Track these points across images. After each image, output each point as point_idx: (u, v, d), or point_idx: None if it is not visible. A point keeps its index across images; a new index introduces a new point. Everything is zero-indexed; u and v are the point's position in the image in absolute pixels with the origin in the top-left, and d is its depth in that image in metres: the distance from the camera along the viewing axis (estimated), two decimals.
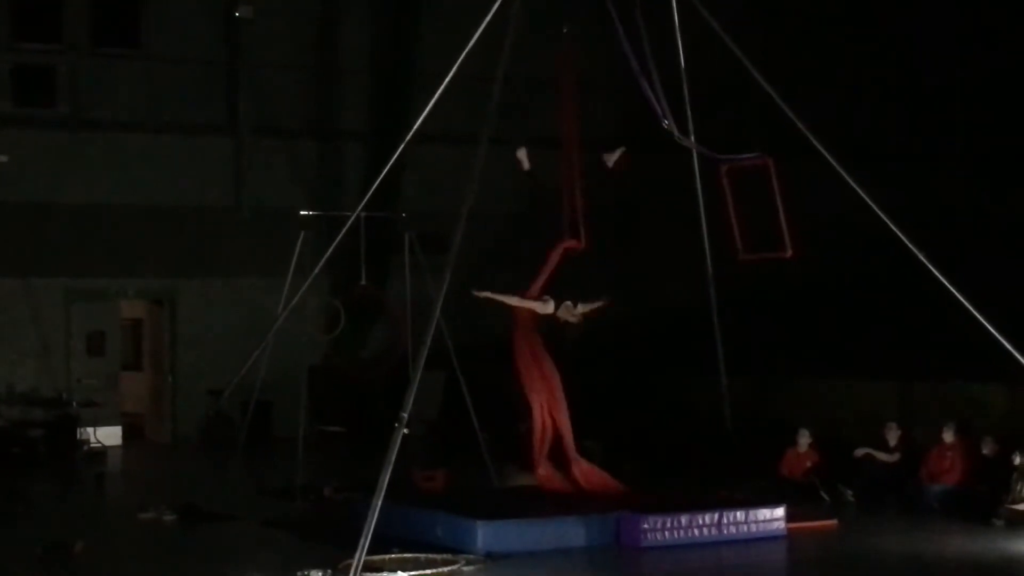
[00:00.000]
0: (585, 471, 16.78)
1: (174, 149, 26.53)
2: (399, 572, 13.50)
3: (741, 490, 17.12)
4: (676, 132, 16.91)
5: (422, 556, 14.08)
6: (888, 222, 15.80)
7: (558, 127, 16.95)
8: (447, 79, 16.28)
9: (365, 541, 12.64)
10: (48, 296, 25.59)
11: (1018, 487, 16.81)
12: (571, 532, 15.11)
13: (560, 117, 16.96)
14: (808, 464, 19.09)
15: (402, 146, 17.34)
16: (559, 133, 16.93)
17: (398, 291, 21.11)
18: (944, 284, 15.42)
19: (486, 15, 15.89)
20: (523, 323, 16.75)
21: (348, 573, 12.58)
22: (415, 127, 16.94)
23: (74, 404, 24.12)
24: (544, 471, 16.70)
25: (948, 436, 18.13)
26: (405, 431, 13.26)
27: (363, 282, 20.35)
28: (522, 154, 16.82)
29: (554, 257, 16.66)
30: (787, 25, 29.88)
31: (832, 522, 16.78)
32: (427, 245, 20.10)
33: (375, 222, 19.78)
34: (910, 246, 15.64)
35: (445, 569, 13.74)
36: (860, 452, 18.85)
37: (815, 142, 16.07)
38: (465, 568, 13.86)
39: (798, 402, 21.46)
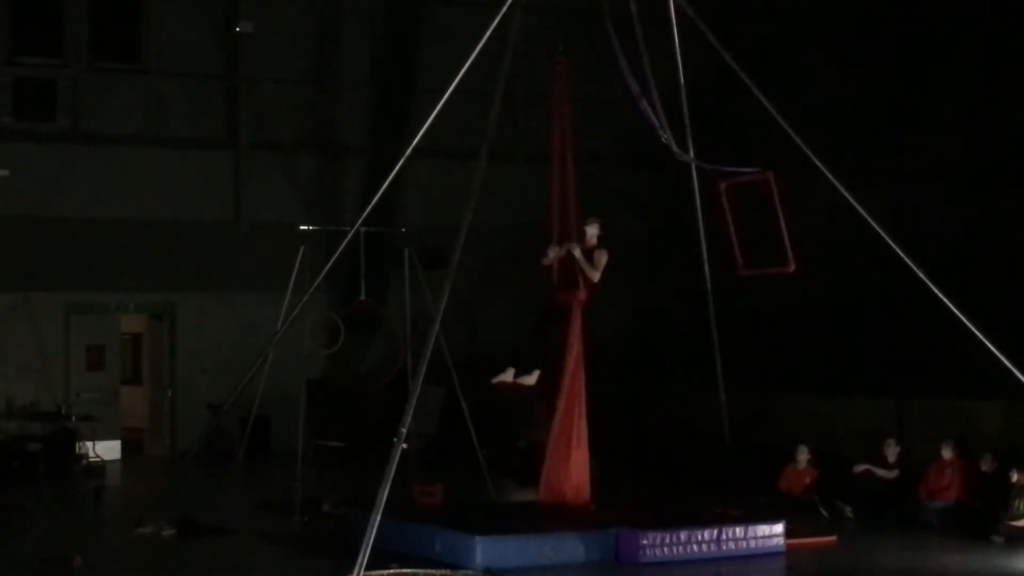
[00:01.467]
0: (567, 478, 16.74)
1: (174, 163, 26.54)
2: None
3: (740, 506, 17.11)
4: (675, 147, 16.93)
5: (421, 571, 14.06)
6: (887, 239, 15.82)
7: (551, 144, 16.97)
8: (446, 94, 16.30)
9: (364, 556, 12.63)
10: (47, 310, 25.57)
11: (1017, 504, 16.81)
12: (570, 548, 15.10)
13: (553, 134, 16.97)
14: (807, 480, 19.09)
15: (401, 161, 17.34)
16: (551, 150, 16.94)
17: (397, 306, 21.11)
18: (943, 301, 15.44)
19: (485, 31, 15.92)
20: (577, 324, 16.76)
21: None
22: (414, 142, 16.96)
23: (73, 418, 24.12)
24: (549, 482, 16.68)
25: (947, 453, 18.14)
26: (404, 446, 13.26)
27: (362, 297, 20.34)
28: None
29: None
30: (787, 41, 29.91)
31: (831, 538, 16.77)
32: (426, 260, 20.11)
33: (374, 237, 19.78)
34: (909, 263, 15.65)
35: None
36: (859, 468, 18.85)
37: (814, 159, 16.10)
38: None
39: (797, 418, 21.44)
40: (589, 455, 16.77)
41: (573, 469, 16.69)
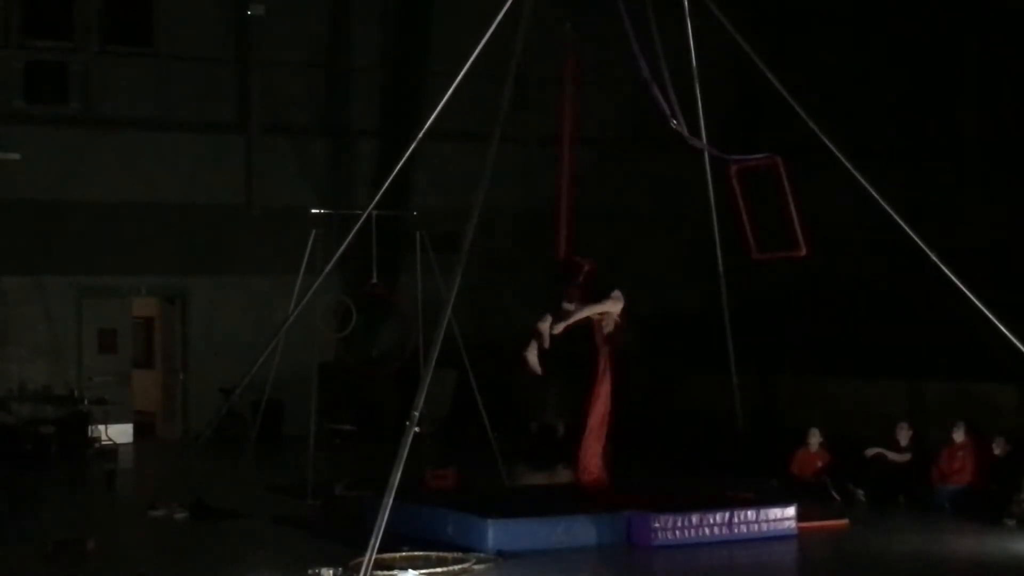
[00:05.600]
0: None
1: (185, 147, 26.58)
2: (410, 570, 13.50)
3: (752, 489, 17.10)
4: (686, 132, 16.89)
5: (433, 554, 14.08)
6: (899, 221, 15.78)
7: (560, 125, 16.91)
8: (459, 77, 16.27)
9: (376, 539, 12.64)
10: (60, 294, 25.64)
11: None
12: (582, 531, 15.11)
13: (562, 117, 16.90)
14: (819, 464, 19.08)
15: (413, 144, 17.33)
16: (560, 131, 16.88)
17: (409, 289, 21.12)
18: (955, 283, 15.41)
19: (497, 13, 15.88)
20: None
21: (359, 571, 12.59)
22: (427, 125, 16.94)
23: (85, 402, 24.20)
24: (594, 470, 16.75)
25: (958, 436, 18.11)
26: (416, 429, 13.26)
27: (374, 280, 20.34)
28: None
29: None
30: (798, 24, 29.86)
31: (843, 522, 16.76)
32: (438, 243, 20.10)
33: (386, 220, 19.77)
34: (922, 245, 15.62)
35: (456, 567, 13.75)
36: (871, 452, 18.83)
37: (827, 142, 16.05)
38: (476, 566, 13.87)
39: (809, 402, 21.43)
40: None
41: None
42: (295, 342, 20.08)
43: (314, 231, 19.67)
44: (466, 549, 14.41)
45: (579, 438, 16.88)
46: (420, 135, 17.14)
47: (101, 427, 24.29)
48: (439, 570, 13.61)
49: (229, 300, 26.85)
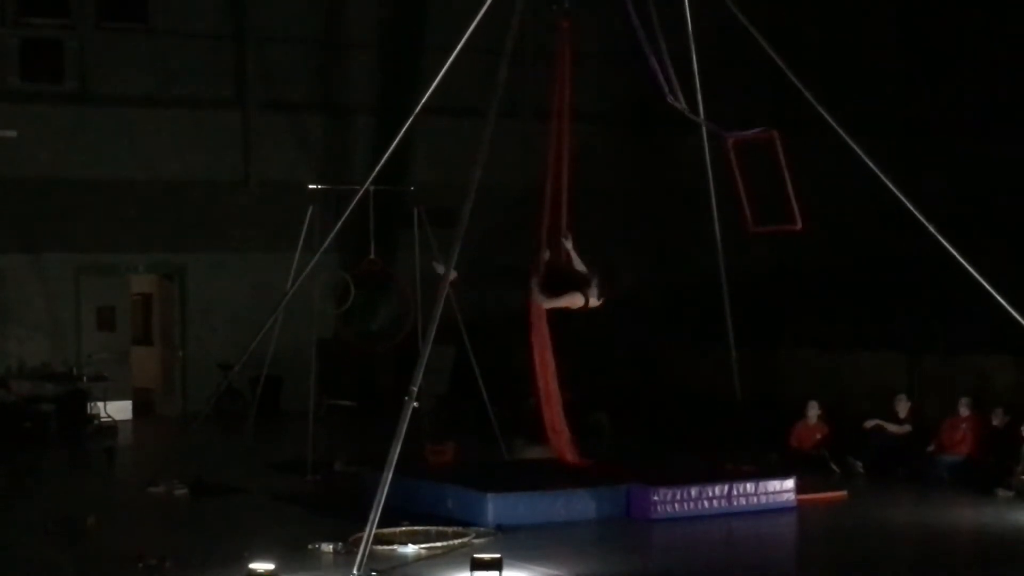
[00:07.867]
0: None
1: (182, 124, 26.51)
2: (409, 545, 13.55)
3: (751, 462, 17.13)
4: (683, 106, 16.84)
5: (432, 529, 14.13)
6: (898, 194, 15.77)
7: (550, 101, 16.84)
8: (455, 52, 16.24)
9: (375, 514, 12.66)
10: (58, 271, 25.60)
11: None
12: (581, 504, 15.15)
13: (553, 92, 16.83)
14: (818, 436, 19.11)
15: (410, 120, 17.30)
16: (551, 107, 16.82)
17: (407, 265, 21.12)
18: (955, 256, 15.40)
19: None
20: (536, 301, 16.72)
21: (358, 546, 12.62)
22: (423, 101, 16.90)
23: (84, 379, 24.19)
24: (558, 442, 16.75)
25: (964, 410, 18.11)
26: (415, 405, 13.27)
27: (372, 256, 20.32)
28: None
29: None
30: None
31: (842, 493, 16.81)
32: (436, 219, 20.08)
33: (384, 196, 19.75)
34: (920, 219, 15.60)
35: (455, 541, 13.78)
36: (870, 424, 18.87)
37: (825, 114, 16.02)
38: (475, 541, 13.89)
39: (807, 374, 21.44)
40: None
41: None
42: (294, 318, 20.09)
43: (312, 207, 19.65)
44: (466, 523, 14.45)
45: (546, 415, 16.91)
46: (417, 110, 17.11)
47: (100, 404, 24.28)
48: (439, 544, 13.65)
49: (227, 276, 26.81)
